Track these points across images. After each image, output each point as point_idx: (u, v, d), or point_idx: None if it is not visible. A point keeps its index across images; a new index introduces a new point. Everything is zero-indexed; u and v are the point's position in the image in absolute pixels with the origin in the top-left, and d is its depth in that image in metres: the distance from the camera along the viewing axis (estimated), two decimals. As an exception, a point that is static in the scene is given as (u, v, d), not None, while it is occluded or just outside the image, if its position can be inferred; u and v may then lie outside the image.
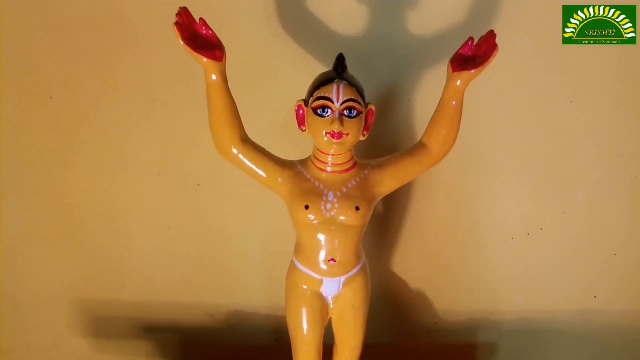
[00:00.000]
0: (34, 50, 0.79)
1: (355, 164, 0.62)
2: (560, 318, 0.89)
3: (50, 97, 0.80)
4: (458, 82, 0.57)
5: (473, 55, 0.57)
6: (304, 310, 0.62)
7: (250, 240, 0.86)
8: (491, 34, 0.57)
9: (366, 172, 0.61)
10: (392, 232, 0.86)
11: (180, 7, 0.54)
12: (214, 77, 0.55)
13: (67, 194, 0.84)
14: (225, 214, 0.85)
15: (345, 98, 0.56)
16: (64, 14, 0.77)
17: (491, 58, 0.55)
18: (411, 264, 0.87)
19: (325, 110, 0.57)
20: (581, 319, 0.89)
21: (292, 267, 0.65)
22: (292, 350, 0.67)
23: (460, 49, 0.58)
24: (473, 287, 0.88)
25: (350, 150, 0.61)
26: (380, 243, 0.86)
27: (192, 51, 0.53)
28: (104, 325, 0.89)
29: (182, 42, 0.52)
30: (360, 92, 0.58)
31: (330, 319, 0.66)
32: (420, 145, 0.62)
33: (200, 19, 0.55)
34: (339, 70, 0.58)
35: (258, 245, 0.86)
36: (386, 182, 0.62)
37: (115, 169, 0.83)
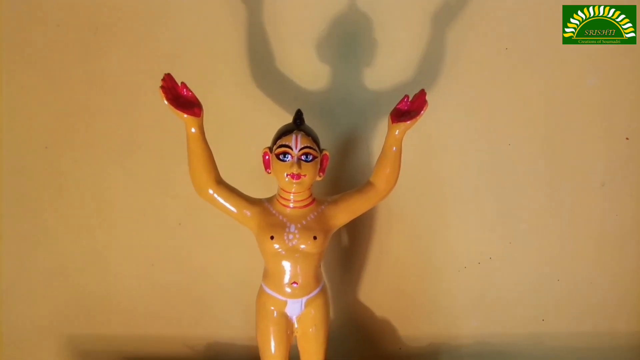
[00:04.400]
0: (32, 106, 0.85)
1: (313, 200, 0.70)
2: (513, 341, 0.94)
3: (46, 147, 0.86)
4: (397, 132, 0.66)
5: (408, 109, 0.67)
6: (271, 329, 0.69)
7: (228, 275, 0.91)
8: (422, 93, 0.67)
9: (323, 207, 0.70)
10: (357, 264, 0.91)
11: (165, 74, 0.62)
12: (193, 130, 0.63)
13: (58, 235, 0.89)
14: (205, 251, 0.90)
15: (302, 146, 0.65)
16: (58, 71, 0.84)
17: (422, 112, 0.65)
18: (376, 293, 0.93)
19: (286, 156, 0.66)
20: (532, 342, 0.95)
21: (260, 291, 0.71)
22: (262, 364, 0.72)
23: (398, 104, 0.67)
24: (433, 314, 0.93)
25: (309, 189, 0.69)
26: (347, 274, 0.91)
27: (174, 109, 0.61)
28: (90, 358, 0.92)
29: (166, 102, 0.61)
30: (315, 140, 0.67)
31: (296, 337, 0.72)
32: (369, 184, 0.71)
33: (182, 82, 0.64)
34: (297, 123, 0.68)
35: (235, 281, 0.90)
36: (340, 215, 0.70)
37: (103, 211, 0.88)
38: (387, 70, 0.84)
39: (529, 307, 0.95)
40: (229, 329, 0.93)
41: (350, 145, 0.87)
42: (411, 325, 0.95)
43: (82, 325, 0.92)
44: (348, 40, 0.84)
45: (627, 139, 0.89)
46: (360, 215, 0.86)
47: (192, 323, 0.93)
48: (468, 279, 0.93)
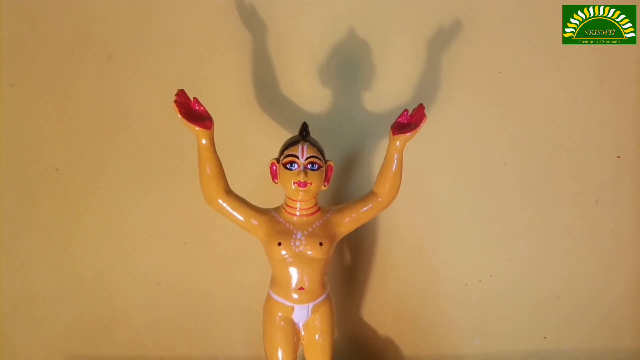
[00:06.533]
0: (44, 128, 0.88)
1: (319, 209, 0.73)
2: (516, 358, 0.94)
3: (56, 170, 0.89)
4: (397, 143, 0.70)
5: (408, 122, 0.71)
6: (278, 335, 0.70)
7: (233, 295, 0.91)
8: (421, 107, 0.71)
9: (328, 215, 0.72)
10: (360, 283, 0.92)
11: (179, 89, 0.66)
12: (204, 141, 0.66)
13: (67, 256, 0.90)
14: (210, 271, 0.91)
15: (308, 155, 0.69)
16: (71, 97, 0.87)
17: (421, 124, 0.69)
18: (378, 312, 0.93)
19: (293, 165, 0.69)
20: (534, 359, 0.95)
21: (268, 298, 0.73)
22: (269, 373, 0.73)
23: (398, 117, 0.71)
24: (435, 332, 0.94)
25: (314, 197, 0.72)
26: (350, 293, 0.92)
27: (187, 122, 0.64)
28: (95, 379, 0.91)
29: (179, 116, 0.64)
30: (320, 151, 0.71)
31: (302, 346, 0.73)
32: (372, 193, 0.73)
33: (194, 98, 0.67)
34: (303, 134, 0.71)
35: (240, 300, 0.91)
36: (344, 223, 0.72)
37: (111, 233, 0.90)
38: (385, 94, 0.88)
39: (530, 324, 0.95)
40: (233, 349, 0.93)
41: (351, 165, 0.90)
42: (414, 344, 0.95)
43: (87, 346, 0.92)
44: (348, 66, 0.88)
45: (618, 157, 0.92)
46: (363, 235, 0.90)
47: (196, 343, 0.93)
48: (469, 296, 0.94)
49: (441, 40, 0.88)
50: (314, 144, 0.71)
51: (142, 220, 0.90)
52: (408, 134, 0.69)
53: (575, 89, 0.90)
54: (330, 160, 0.73)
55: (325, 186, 0.72)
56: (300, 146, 0.69)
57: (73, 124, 0.88)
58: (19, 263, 0.91)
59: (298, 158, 0.69)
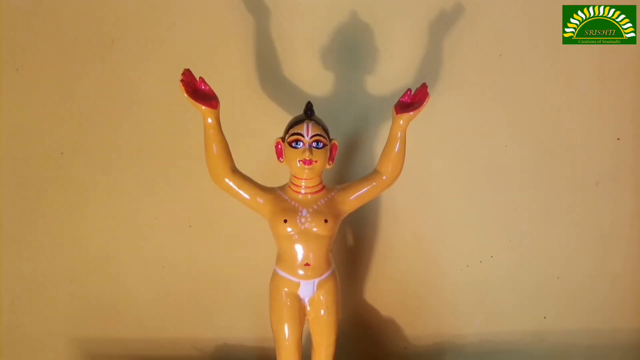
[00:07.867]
0: (50, 112, 0.88)
1: (323, 187, 0.74)
2: (516, 339, 0.96)
3: (62, 153, 0.89)
4: (401, 122, 0.70)
5: (411, 101, 0.71)
6: (284, 310, 0.72)
7: (238, 277, 0.92)
8: (424, 86, 0.71)
9: (333, 193, 0.73)
10: (362, 265, 0.93)
11: (185, 69, 0.66)
12: (210, 120, 0.67)
13: (73, 239, 0.91)
14: (215, 253, 0.92)
15: (313, 133, 0.70)
16: (75, 81, 0.87)
17: (425, 103, 0.70)
18: (381, 293, 0.94)
19: (298, 143, 0.70)
20: (534, 339, 0.96)
21: (274, 274, 0.74)
22: (276, 347, 0.74)
23: (401, 97, 0.72)
24: (437, 313, 0.95)
25: (319, 175, 0.73)
26: (353, 275, 0.93)
27: (193, 101, 0.65)
28: (101, 363, 0.93)
29: (186, 95, 0.64)
30: (325, 129, 0.72)
31: (308, 321, 0.74)
32: (375, 172, 0.74)
33: (200, 77, 0.68)
34: (308, 113, 0.72)
35: (245, 283, 0.92)
36: (349, 201, 0.73)
37: (116, 216, 0.90)
38: (388, 77, 0.88)
39: (530, 305, 0.96)
40: (238, 331, 0.94)
41: (353, 148, 0.90)
42: (415, 325, 0.96)
43: (92, 329, 0.93)
44: (351, 49, 0.88)
45: (618, 139, 0.93)
46: (364, 218, 0.91)
47: (201, 325, 0.94)
48: (470, 277, 0.95)
49: (443, 24, 0.88)
50: (319, 123, 0.72)
51: (148, 203, 0.91)
52: (411, 112, 0.70)
53: (576, 72, 0.91)
54: (334, 139, 0.74)
55: (329, 165, 0.73)
56: (305, 125, 0.70)
57: (77, 108, 0.89)
58: (25, 246, 0.91)
59: (303, 136, 0.70)
